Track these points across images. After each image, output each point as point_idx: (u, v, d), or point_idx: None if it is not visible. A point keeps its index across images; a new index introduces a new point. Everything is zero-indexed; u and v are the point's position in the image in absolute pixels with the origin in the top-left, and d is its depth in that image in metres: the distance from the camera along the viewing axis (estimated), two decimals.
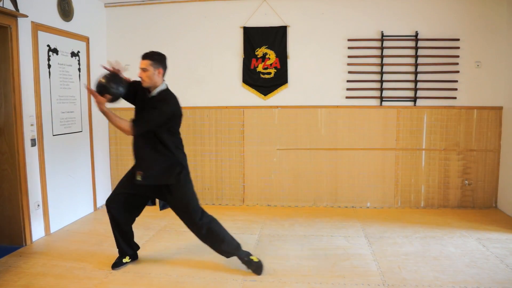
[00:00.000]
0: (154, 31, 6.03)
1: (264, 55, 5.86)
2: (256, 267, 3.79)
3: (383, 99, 5.76)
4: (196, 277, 3.73)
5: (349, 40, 5.74)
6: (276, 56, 5.86)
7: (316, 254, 4.23)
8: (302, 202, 6.01)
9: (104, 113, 3.47)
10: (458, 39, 5.62)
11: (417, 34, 5.64)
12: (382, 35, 5.69)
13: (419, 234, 4.79)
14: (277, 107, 5.93)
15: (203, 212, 3.77)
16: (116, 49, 6.09)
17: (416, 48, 5.65)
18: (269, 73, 5.88)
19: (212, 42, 5.96)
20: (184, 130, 5.96)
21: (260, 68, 5.89)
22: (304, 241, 4.63)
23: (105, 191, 6.05)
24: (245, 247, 4.39)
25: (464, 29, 5.61)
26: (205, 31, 5.96)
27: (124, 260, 3.99)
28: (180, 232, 4.89)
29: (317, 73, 5.85)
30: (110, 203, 3.82)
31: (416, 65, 5.66)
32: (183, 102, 5.93)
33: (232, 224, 5.19)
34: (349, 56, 5.75)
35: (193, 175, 5.98)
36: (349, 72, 5.77)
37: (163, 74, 3.69)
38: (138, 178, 3.64)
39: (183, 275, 3.77)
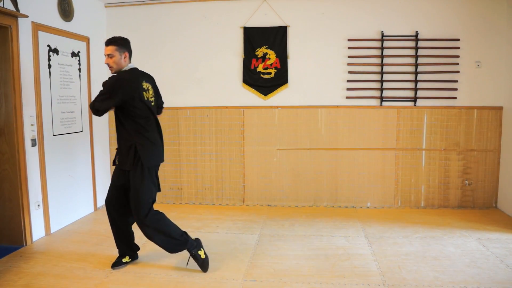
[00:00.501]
0: (154, 31, 6.03)
1: (264, 55, 5.86)
2: (201, 263, 3.82)
3: (383, 99, 5.76)
4: (196, 277, 3.73)
5: (349, 40, 5.74)
6: (276, 56, 5.86)
7: (316, 254, 4.24)
8: (302, 202, 6.01)
9: None
10: (458, 39, 5.61)
11: (417, 34, 5.64)
12: (382, 35, 5.69)
13: (419, 234, 4.79)
14: (277, 107, 5.93)
15: (150, 211, 3.68)
16: None
17: (416, 48, 5.65)
18: (269, 73, 5.88)
19: (212, 42, 5.96)
20: (184, 130, 6.01)
21: (260, 68, 5.89)
22: (304, 241, 4.63)
23: (105, 191, 6.00)
24: (245, 247, 4.42)
25: (464, 29, 5.61)
26: (205, 31, 5.97)
27: (124, 260, 3.99)
28: None
29: (317, 73, 5.85)
30: (108, 201, 3.85)
31: (416, 65, 5.66)
32: (183, 101, 6.04)
33: (232, 224, 5.20)
34: (349, 56, 5.75)
35: (193, 175, 6.08)
36: (349, 72, 5.77)
37: (130, 58, 3.72)
38: (117, 162, 3.80)
39: (183, 275, 3.77)
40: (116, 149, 3.84)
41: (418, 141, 5.79)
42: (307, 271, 3.85)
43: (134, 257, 4.06)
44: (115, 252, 4.05)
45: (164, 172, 6.09)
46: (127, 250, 4.00)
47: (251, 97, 5.96)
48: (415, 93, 5.70)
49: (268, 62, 5.87)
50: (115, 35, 3.75)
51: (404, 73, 5.71)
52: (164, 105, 6.00)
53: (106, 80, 3.61)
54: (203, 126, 6.06)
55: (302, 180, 5.99)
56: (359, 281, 3.63)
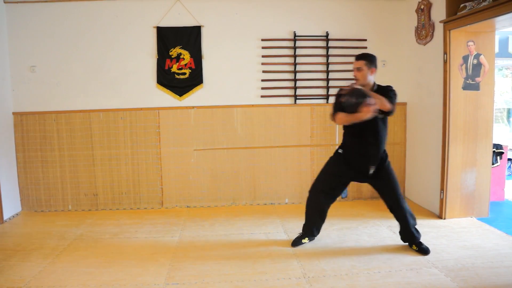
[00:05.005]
0: (63, 31, 5.71)
1: (179, 55, 5.79)
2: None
3: (297, 97, 5.91)
4: (116, 285, 3.60)
5: (262, 40, 5.84)
6: (191, 56, 5.81)
7: (238, 253, 4.26)
8: (222, 202, 6.02)
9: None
10: (365, 39, 5.91)
11: (327, 34, 5.86)
12: (295, 35, 5.84)
13: (336, 226, 4.98)
14: (193, 107, 5.89)
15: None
16: (21, 50, 5.69)
17: (327, 47, 5.87)
18: (184, 74, 5.82)
19: (125, 42, 5.78)
20: (98, 134, 5.79)
21: (174, 68, 5.81)
22: (225, 240, 4.64)
23: (13, 202, 5.65)
24: (166, 250, 4.36)
25: (370, 30, 5.93)
26: (117, 31, 5.77)
27: (303, 241, 4.41)
28: (97, 240, 4.70)
29: (232, 73, 5.88)
30: (321, 190, 4.30)
31: (327, 64, 5.88)
32: (95, 104, 5.82)
33: (152, 228, 5.08)
34: (263, 56, 5.84)
35: (108, 179, 5.88)
36: (264, 72, 5.87)
37: (375, 73, 4.07)
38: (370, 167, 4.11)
39: (102, 284, 3.62)
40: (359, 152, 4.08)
41: (332, 137, 6.01)
42: (229, 270, 3.86)
43: (313, 239, 4.49)
44: (25, 268, 3.79)
45: (78, 178, 5.82)
46: (315, 232, 4.43)
47: (166, 98, 5.86)
48: (327, 91, 5.92)
49: (183, 63, 5.81)
50: (363, 52, 4.41)
51: (316, 72, 5.90)
52: (75, 108, 5.83)
53: (389, 86, 4.05)
54: (117, 129, 5.86)
55: (220, 179, 5.99)
56: (281, 276, 3.70)
